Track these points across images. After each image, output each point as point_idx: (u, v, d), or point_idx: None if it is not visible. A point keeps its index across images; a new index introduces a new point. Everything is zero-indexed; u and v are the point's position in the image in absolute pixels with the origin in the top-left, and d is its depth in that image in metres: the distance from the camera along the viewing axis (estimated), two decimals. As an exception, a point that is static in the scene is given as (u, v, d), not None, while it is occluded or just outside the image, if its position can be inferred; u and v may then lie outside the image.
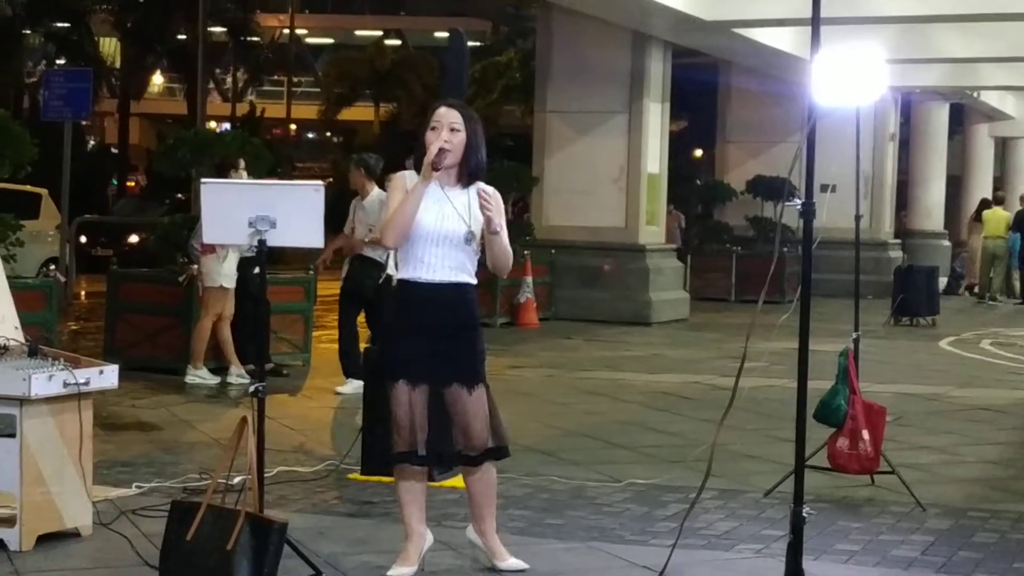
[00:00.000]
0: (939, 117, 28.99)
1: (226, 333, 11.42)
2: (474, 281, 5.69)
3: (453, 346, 5.60)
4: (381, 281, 10.63)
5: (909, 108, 28.92)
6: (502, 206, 5.54)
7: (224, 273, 11.22)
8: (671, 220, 23.66)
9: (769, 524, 6.82)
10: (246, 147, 12.62)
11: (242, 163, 11.51)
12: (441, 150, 5.43)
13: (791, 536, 4.38)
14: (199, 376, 11.38)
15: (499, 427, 5.68)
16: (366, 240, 10.70)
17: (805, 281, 4.24)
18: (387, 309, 5.74)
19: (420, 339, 5.53)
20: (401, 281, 5.60)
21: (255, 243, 5.06)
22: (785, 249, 17.71)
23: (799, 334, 4.45)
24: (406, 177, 5.59)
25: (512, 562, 5.79)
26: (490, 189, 5.59)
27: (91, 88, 19.70)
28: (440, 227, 5.50)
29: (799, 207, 4.27)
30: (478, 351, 5.71)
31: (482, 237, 5.59)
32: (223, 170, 11.26)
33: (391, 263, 10.18)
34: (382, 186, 10.18)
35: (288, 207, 5.08)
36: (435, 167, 5.40)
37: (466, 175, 5.59)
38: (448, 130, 5.52)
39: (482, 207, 5.47)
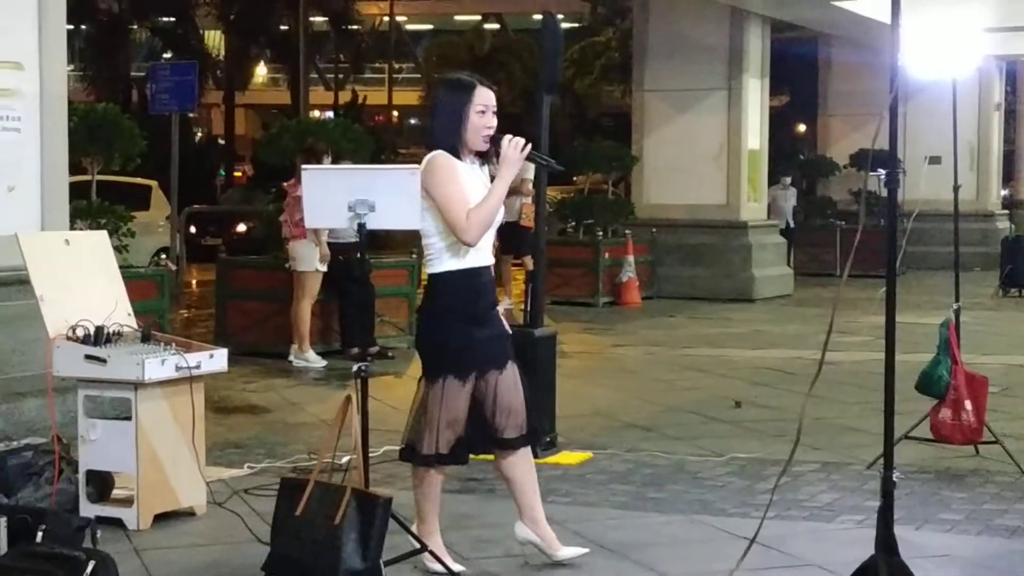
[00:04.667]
0: (1047, 85, 28.49)
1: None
2: None
3: (501, 326, 5.54)
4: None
5: (1015, 77, 28.41)
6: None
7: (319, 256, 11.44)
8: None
9: (871, 496, 6.81)
10: (348, 134, 12.81)
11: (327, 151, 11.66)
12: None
13: (882, 500, 4.40)
14: (305, 359, 11.59)
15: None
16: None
17: (890, 249, 4.27)
18: (445, 301, 5.38)
19: (486, 327, 5.42)
20: (460, 272, 5.34)
21: (355, 227, 5.18)
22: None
23: (886, 300, 4.48)
24: (456, 163, 5.33)
25: (569, 551, 5.59)
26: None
27: (196, 80, 20.04)
28: None
29: (883, 176, 4.28)
30: None
31: None
32: (309, 157, 11.39)
33: None
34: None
35: (385, 190, 5.17)
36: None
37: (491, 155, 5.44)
38: (492, 114, 5.40)
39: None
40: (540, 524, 5.59)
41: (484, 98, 5.37)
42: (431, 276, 5.43)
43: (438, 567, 5.41)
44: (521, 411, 5.46)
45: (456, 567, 5.44)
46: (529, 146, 5.35)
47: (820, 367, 4.68)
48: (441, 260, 5.36)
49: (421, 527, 5.50)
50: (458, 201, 5.26)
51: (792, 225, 22.57)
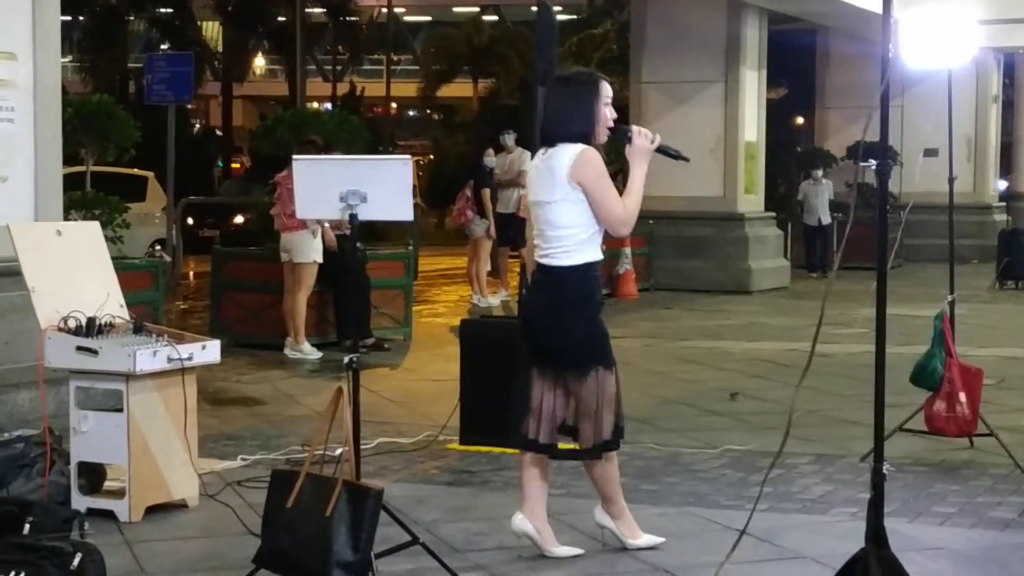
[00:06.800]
0: (1045, 77, 28.45)
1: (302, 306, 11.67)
2: None
3: None
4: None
5: (1013, 69, 28.38)
6: None
7: (317, 247, 11.42)
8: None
9: (864, 488, 6.75)
10: (344, 125, 12.80)
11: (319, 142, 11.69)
12: None
13: (872, 493, 4.40)
14: (301, 351, 11.57)
15: None
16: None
17: (881, 239, 4.26)
18: (586, 293, 5.48)
19: None
20: (592, 263, 5.45)
21: (346, 217, 5.16)
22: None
23: (876, 291, 4.47)
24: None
25: (564, 550, 5.67)
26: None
27: (193, 71, 20.01)
28: None
29: (874, 167, 4.28)
30: None
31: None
32: (307, 151, 11.38)
33: None
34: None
35: (377, 181, 5.17)
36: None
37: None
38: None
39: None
40: (541, 519, 5.63)
41: (608, 91, 5.53)
42: (562, 268, 5.41)
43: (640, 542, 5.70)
44: None
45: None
46: (659, 137, 5.51)
47: (810, 359, 4.68)
48: (581, 252, 5.41)
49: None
50: (616, 195, 5.41)
51: (825, 222, 21.77)
